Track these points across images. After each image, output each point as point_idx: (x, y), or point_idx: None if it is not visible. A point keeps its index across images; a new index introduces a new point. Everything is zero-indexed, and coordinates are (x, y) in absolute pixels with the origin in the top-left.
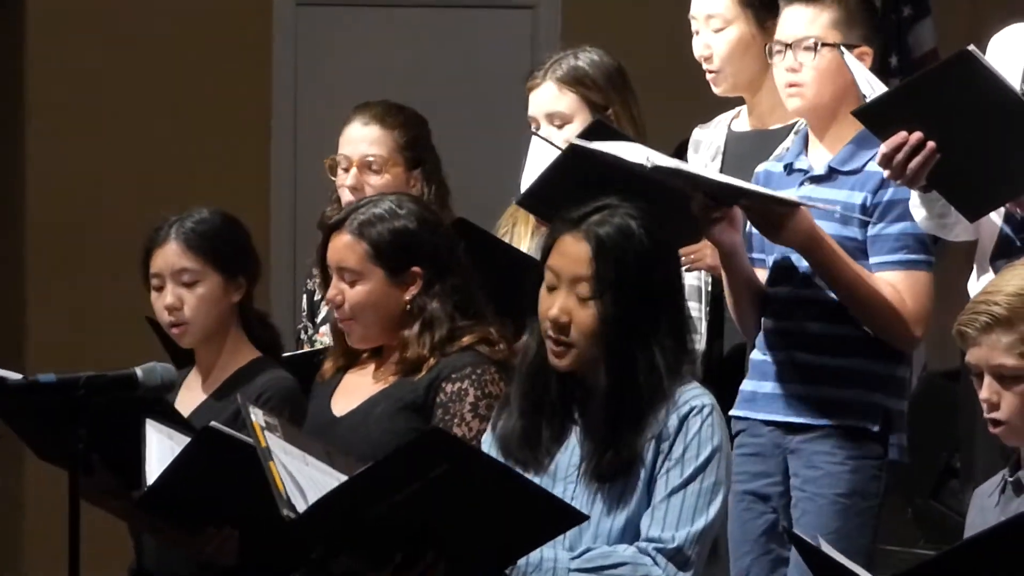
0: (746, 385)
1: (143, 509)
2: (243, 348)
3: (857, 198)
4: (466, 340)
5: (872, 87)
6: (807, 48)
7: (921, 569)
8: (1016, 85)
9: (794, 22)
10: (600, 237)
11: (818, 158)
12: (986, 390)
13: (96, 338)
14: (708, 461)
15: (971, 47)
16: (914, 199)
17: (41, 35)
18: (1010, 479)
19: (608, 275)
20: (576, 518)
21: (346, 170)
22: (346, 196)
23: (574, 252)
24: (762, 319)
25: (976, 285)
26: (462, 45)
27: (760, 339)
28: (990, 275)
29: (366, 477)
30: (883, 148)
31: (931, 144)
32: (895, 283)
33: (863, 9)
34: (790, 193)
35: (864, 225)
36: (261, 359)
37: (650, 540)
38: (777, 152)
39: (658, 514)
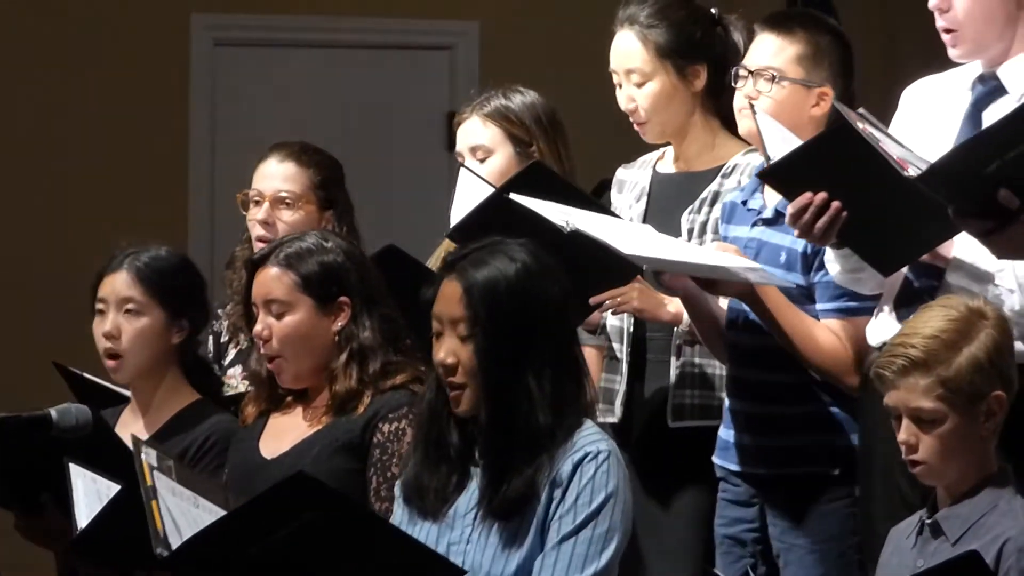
0: (721, 432)
1: (77, 552)
2: (182, 389)
3: (799, 244)
4: (400, 379)
5: (780, 148)
6: (767, 78)
7: None
8: (923, 140)
9: (761, 51)
10: (469, 276)
11: (771, 198)
12: (904, 432)
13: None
14: (601, 508)
15: (859, 115)
16: (828, 254)
17: None
18: (927, 521)
19: (479, 312)
20: (452, 571)
21: (258, 204)
22: (256, 230)
23: (449, 294)
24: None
25: (874, 327)
26: (380, 85)
27: (728, 386)
28: (888, 318)
29: (235, 518)
30: (790, 208)
31: (836, 204)
32: (836, 329)
33: (834, 49)
34: (743, 231)
35: (807, 272)
36: (202, 401)
37: None
38: (708, 192)
39: (548, 561)
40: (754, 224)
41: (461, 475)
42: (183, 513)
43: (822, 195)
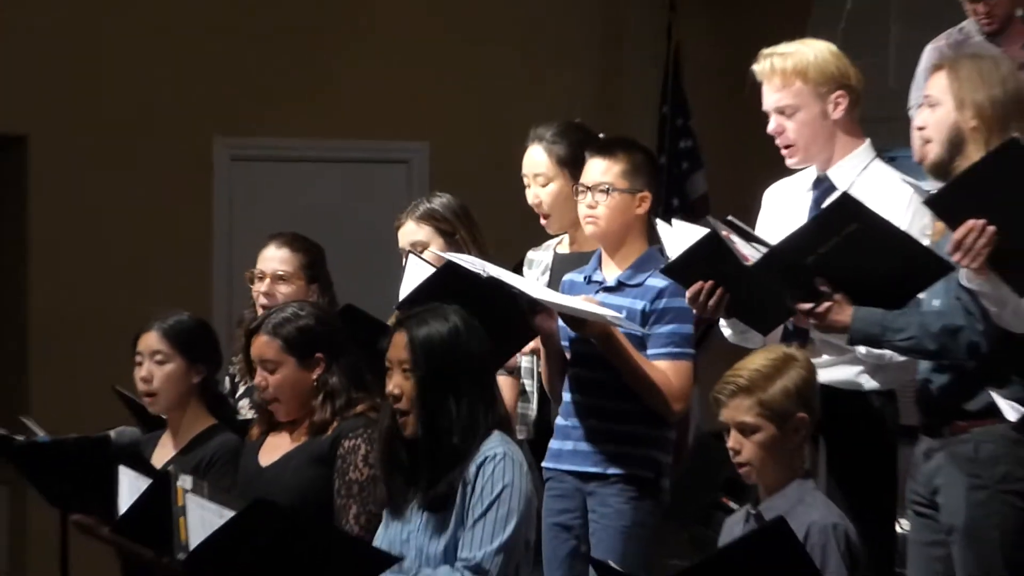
0: (552, 444)
1: (118, 531)
2: (201, 416)
3: (639, 305)
4: (359, 408)
5: (677, 244)
6: (602, 191)
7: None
8: (782, 232)
9: (593, 170)
10: (413, 329)
11: (610, 273)
12: (732, 440)
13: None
14: (500, 495)
15: (727, 222)
16: (722, 323)
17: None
18: (752, 512)
19: (418, 354)
20: (387, 560)
21: (261, 279)
22: (260, 300)
23: (397, 341)
24: (564, 392)
25: None
26: (353, 189)
27: (563, 408)
28: None
29: (218, 533)
30: (688, 294)
31: (720, 290)
32: (664, 369)
33: (646, 163)
34: (588, 294)
35: (643, 326)
36: (216, 426)
37: (460, 559)
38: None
39: (465, 539)
40: (596, 292)
41: (412, 482)
42: (210, 523)
43: (710, 283)
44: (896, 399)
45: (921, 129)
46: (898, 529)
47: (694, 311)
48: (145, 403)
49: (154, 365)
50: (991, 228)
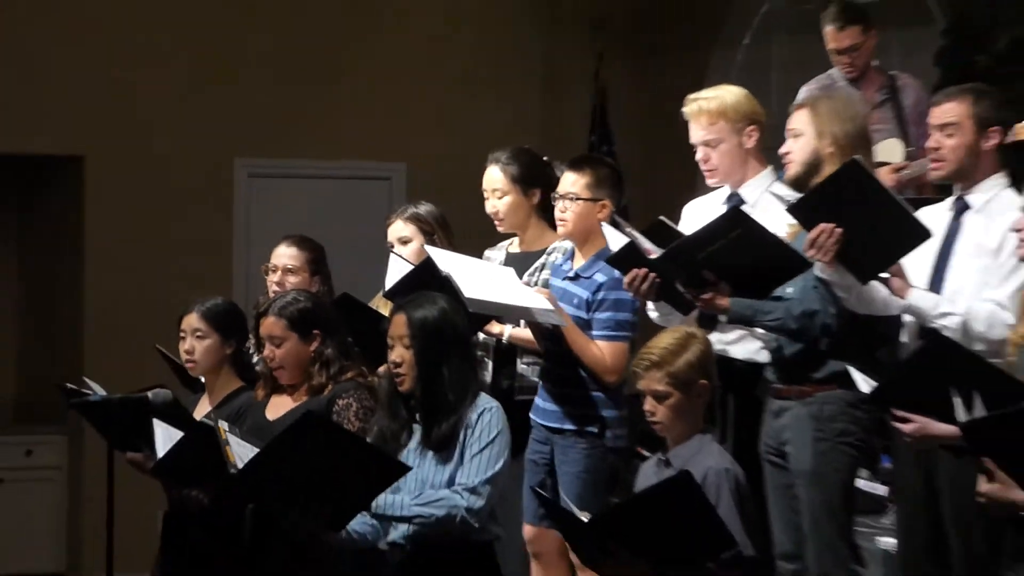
0: (536, 400)
1: (157, 474)
2: (232, 381)
3: (586, 294)
4: (350, 375)
5: (618, 241)
6: (570, 199)
7: (603, 516)
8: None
9: (565, 181)
10: (410, 311)
11: (575, 265)
12: (648, 404)
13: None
14: (493, 439)
15: (631, 233)
16: (649, 306)
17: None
18: (662, 458)
19: (416, 331)
20: (401, 468)
21: (274, 271)
22: (273, 288)
23: (398, 321)
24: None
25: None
26: (348, 201)
27: (540, 373)
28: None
29: (271, 447)
30: (626, 279)
31: (652, 277)
32: (603, 347)
33: (609, 177)
34: (558, 282)
35: (588, 312)
36: (243, 387)
37: (459, 484)
38: (538, 264)
39: (464, 469)
40: (564, 278)
41: (407, 430)
42: (245, 455)
43: (643, 271)
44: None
45: (787, 154)
46: None
47: (633, 298)
48: (188, 368)
49: (195, 340)
50: (839, 230)
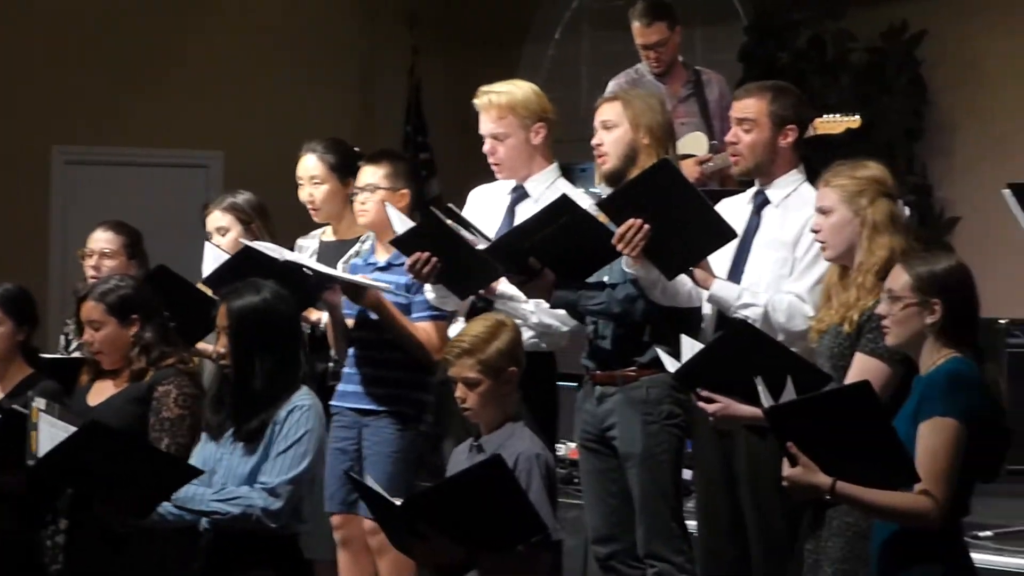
0: (339, 387)
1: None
2: (23, 368)
3: (403, 279)
4: (170, 361)
5: (402, 224)
6: (371, 191)
7: (415, 499)
8: (481, 226)
9: (364, 174)
10: (231, 300)
11: (382, 256)
12: (459, 391)
13: None
14: (300, 438)
15: (448, 209)
16: (427, 287)
17: None
18: (475, 444)
19: (233, 320)
20: (193, 472)
21: (90, 256)
22: (89, 273)
23: (221, 311)
24: (350, 348)
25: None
26: (165, 189)
27: (348, 360)
28: None
29: (59, 448)
30: (408, 261)
31: (434, 260)
32: (426, 328)
33: (406, 169)
34: (366, 275)
35: (406, 296)
36: (35, 374)
37: (260, 483)
38: (352, 252)
39: (267, 467)
40: (373, 270)
41: (231, 416)
42: (56, 437)
43: (427, 254)
44: (555, 357)
45: (599, 146)
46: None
47: (411, 276)
48: None
49: None
50: (647, 226)
